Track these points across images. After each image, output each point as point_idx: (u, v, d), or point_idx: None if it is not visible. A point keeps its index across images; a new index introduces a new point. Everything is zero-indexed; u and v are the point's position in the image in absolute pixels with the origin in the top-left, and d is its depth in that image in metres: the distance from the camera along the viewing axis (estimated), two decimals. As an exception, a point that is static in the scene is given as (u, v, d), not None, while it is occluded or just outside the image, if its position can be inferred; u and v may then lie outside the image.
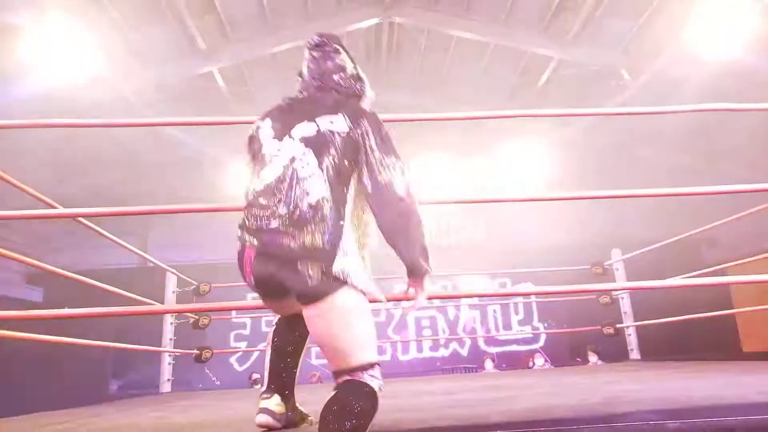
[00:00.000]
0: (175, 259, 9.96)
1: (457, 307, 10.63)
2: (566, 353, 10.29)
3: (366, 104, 2.06)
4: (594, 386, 2.61)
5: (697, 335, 8.21)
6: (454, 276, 10.42)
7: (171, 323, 5.24)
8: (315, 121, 1.82)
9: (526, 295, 9.67)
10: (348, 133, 1.77)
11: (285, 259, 1.66)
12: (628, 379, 2.92)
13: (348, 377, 1.64)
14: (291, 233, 1.66)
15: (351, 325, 1.68)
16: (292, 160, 1.76)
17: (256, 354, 11.13)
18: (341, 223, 1.70)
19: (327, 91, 2.00)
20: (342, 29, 9.21)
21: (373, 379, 1.65)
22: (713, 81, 7.99)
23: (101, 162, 9.91)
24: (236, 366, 11.21)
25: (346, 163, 1.75)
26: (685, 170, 10.56)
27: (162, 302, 5.16)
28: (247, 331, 11.26)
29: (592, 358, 7.75)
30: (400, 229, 1.72)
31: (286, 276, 1.66)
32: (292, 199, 1.70)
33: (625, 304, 5.35)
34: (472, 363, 10.03)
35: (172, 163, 10.67)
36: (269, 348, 2.03)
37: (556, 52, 9.03)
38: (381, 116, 1.89)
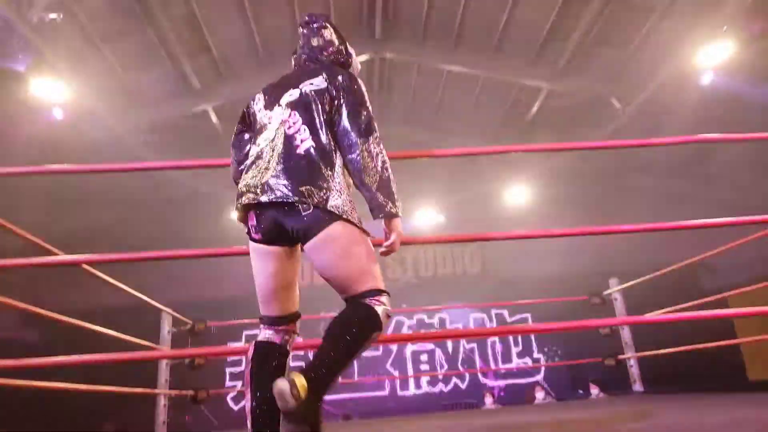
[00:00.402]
0: (170, 296, 9.87)
1: (455, 340, 10.52)
2: (568, 384, 10.15)
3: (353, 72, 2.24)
4: (596, 425, 2.54)
5: (700, 364, 8.09)
6: (450, 309, 10.35)
7: (167, 364, 5.16)
8: (299, 87, 2.04)
9: (525, 332, 9.57)
10: (325, 89, 2.00)
11: (283, 204, 1.84)
12: (632, 415, 2.85)
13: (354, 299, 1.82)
14: (286, 182, 1.84)
15: (350, 254, 1.84)
16: (282, 123, 1.98)
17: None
18: (331, 167, 1.89)
19: (313, 62, 2.24)
20: (334, 65, 9.34)
21: (378, 303, 1.80)
22: (704, 106, 8.09)
23: (95, 201, 9.89)
24: (232, 405, 11.00)
25: (328, 116, 1.97)
26: (680, 196, 10.60)
27: (158, 342, 5.09)
28: (242, 368, 11.09)
29: (594, 390, 7.64)
30: (360, 170, 1.90)
31: (286, 218, 1.85)
32: (284, 154, 1.90)
33: (626, 335, 5.29)
34: (472, 398, 9.87)
35: (167, 201, 10.67)
36: (249, 392, 1.92)
37: (545, 83, 9.13)
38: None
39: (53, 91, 6.61)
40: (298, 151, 1.89)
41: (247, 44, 8.48)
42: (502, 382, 10.69)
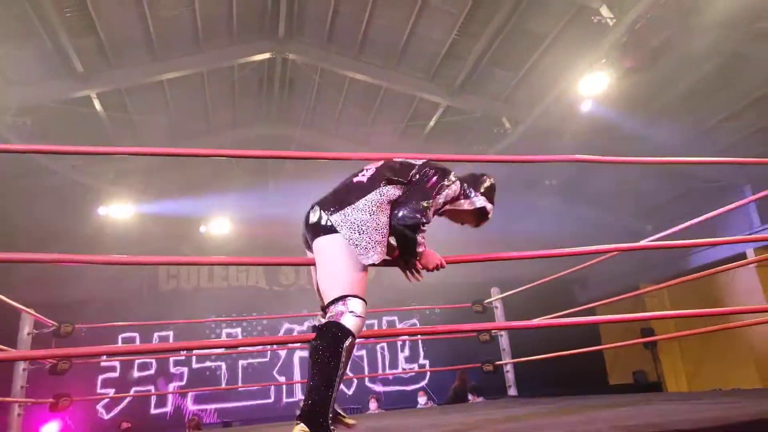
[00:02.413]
0: (34, 297, 9.10)
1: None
2: (450, 390, 10.47)
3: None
4: (467, 427, 2.64)
5: (569, 371, 8.67)
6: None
7: (24, 369, 4.70)
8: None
9: (411, 333, 9.79)
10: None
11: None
12: (502, 418, 2.99)
13: (323, 320, 2.12)
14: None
15: (328, 264, 2.19)
16: None
17: (127, 400, 10.32)
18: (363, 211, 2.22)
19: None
20: (233, 61, 9.09)
21: (341, 313, 2.06)
22: (584, 132, 8.70)
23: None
24: (103, 413, 10.30)
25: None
26: (559, 214, 11.33)
27: (14, 346, 4.65)
28: (116, 374, 10.43)
29: (474, 396, 7.93)
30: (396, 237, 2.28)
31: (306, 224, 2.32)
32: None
33: (504, 342, 5.54)
34: (357, 403, 9.92)
35: (39, 193, 9.80)
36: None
37: (443, 99, 9.43)
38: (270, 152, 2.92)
39: None
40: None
41: (140, 31, 8.02)
42: (388, 388, 10.84)
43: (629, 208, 12.04)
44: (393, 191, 2.32)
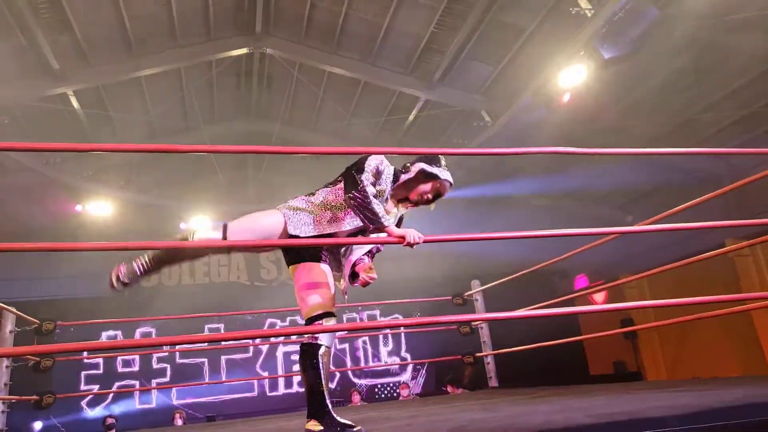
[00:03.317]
0: (16, 295, 8.97)
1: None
2: (432, 382, 10.53)
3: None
4: (446, 417, 2.65)
5: (550, 362, 8.74)
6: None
7: (6, 366, 4.67)
8: None
9: (393, 325, 9.82)
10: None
11: None
12: (480, 408, 3.00)
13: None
14: None
15: (300, 287, 2.51)
16: None
17: (111, 396, 10.28)
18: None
19: None
20: (211, 57, 9.00)
21: (312, 340, 2.43)
22: (564, 125, 8.74)
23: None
24: (88, 410, 10.23)
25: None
26: (541, 206, 11.41)
27: (-5, 344, 4.59)
28: (100, 371, 10.36)
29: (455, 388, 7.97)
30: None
31: None
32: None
33: (484, 334, 5.57)
34: (340, 397, 9.93)
35: (15, 190, 9.63)
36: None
37: (422, 93, 9.42)
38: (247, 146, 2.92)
39: None
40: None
41: (116, 27, 7.89)
42: (370, 381, 10.86)
43: (609, 200, 12.16)
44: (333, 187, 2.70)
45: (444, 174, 2.72)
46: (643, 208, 12.03)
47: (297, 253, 2.55)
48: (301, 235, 2.48)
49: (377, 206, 2.46)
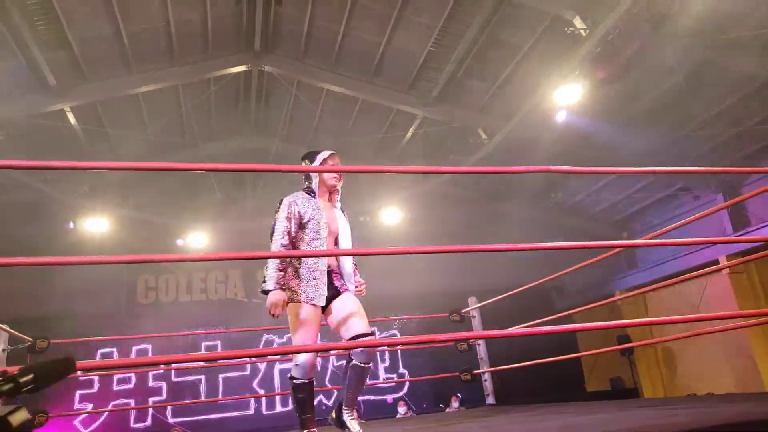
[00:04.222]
0: (9, 312, 8.92)
1: (325, 358, 10.46)
2: (430, 399, 10.47)
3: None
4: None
5: (547, 378, 8.73)
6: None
7: (-3, 386, 4.60)
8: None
9: (390, 344, 9.80)
10: None
11: None
12: (478, 426, 3.00)
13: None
14: None
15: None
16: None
17: (105, 415, 10.17)
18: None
19: None
20: (209, 74, 9.05)
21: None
22: (560, 142, 8.82)
23: None
24: (81, 429, 10.12)
25: None
26: (535, 223, 11.44)
27: (-13, 363, 4.55)
28: (94, 390, 10.26)
29: (455, 403, 7.94)
30: None
31: None
32: None
33: (482, 351, 5.56)
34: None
35: (10, 207, 9.61)
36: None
37: (419, 110, 9.49)
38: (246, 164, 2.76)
39: None
40: None
41: (114, 44, 7.95)
42: (367, 398, 10.79)
43: (604, 217, 12.22)
44: None
45: (323, 152, 3.17)
46: (638, 225, 12.11)
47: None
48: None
49: (274, 272, 2.86)
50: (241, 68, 8.99)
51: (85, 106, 8.79)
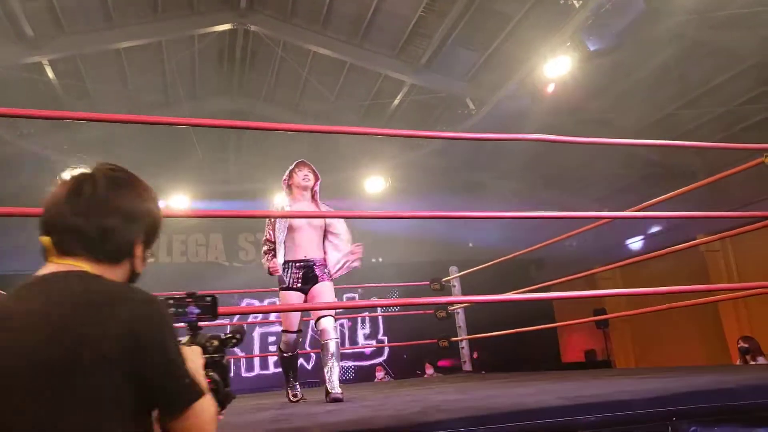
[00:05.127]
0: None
1: (305, 322, 10.51)
2: (407, 366, 10.62)
3: None
4: (419, 397, 2.67)
5: (524, 349, 8.88)
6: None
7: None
8: None
9: (370, 306, 9.87)
10: None
11: None
12: (454, 390, 3.04)
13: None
14: None
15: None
16: None
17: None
18: None
19: None
20: (193, 31, 8.83)
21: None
22: (548, 116, 8.77)
23: None
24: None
25: None
26: (519, 196, 11.48)
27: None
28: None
29: (429, 370, 8.06)
30: None
31: None
32: None
33: (460, 319, 5.62)
34: (316, 377, 9.97)
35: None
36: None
37: (408, 77, 9.36)
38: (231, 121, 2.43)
39: None
40: None
41: (95, -4, 7.69)
42: (347, 363, 10.91)
43: (588, 192, 12.28)
44: None
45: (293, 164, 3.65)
46: (620, 201, 12.19)
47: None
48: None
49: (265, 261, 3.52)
50: (227, 26, 8.77)
51: (64, 60, 8.53)
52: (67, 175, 1.06)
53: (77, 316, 0.91)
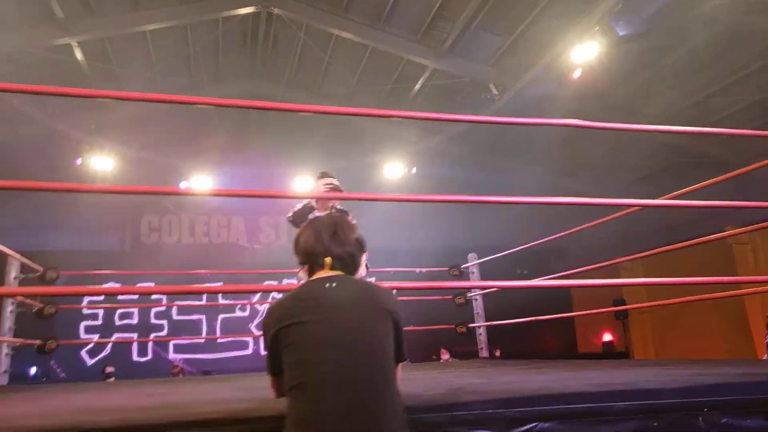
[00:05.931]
0: (20, 244, 9.01)
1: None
2: (423, 350, 10.65)
3: None
4: (442, 379, 2.67)
5: (541, 339, 8.84)
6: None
7: (11, 311, 4.78)
8: None
9: (391, 288, 9.86)
10: None
11: None
12: (473, 374, 3.03)
13: None
14: None
15: None
16: None
17: (110, 346, 10.46)
18: None
19: None
20: (217, 14, 8.85)
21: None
22: (573, 102, 8.63)
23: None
24: (87, 359, 10.42)
25: None
26: (544, 184, 11.35)
27: (0, 288, 4.71)
28: (99, 322, 10.51)
29: (445, 355, 8.08)
30: None
31: None
32: None
33: (478, 305, 5.60)
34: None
35: (16, 141, 9.56)
36: None
37: (430, 62, 9.27)
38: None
39: None
40: None
41: (122, -23, 7.74)
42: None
43: (614, 181, 12.09)
44: None
45: (325, 179, 3.92)
46: (649, 190, 11.98)
47: None
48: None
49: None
50: (250, 9, 8.76)
51: (92, 42, 8.63)
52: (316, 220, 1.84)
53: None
